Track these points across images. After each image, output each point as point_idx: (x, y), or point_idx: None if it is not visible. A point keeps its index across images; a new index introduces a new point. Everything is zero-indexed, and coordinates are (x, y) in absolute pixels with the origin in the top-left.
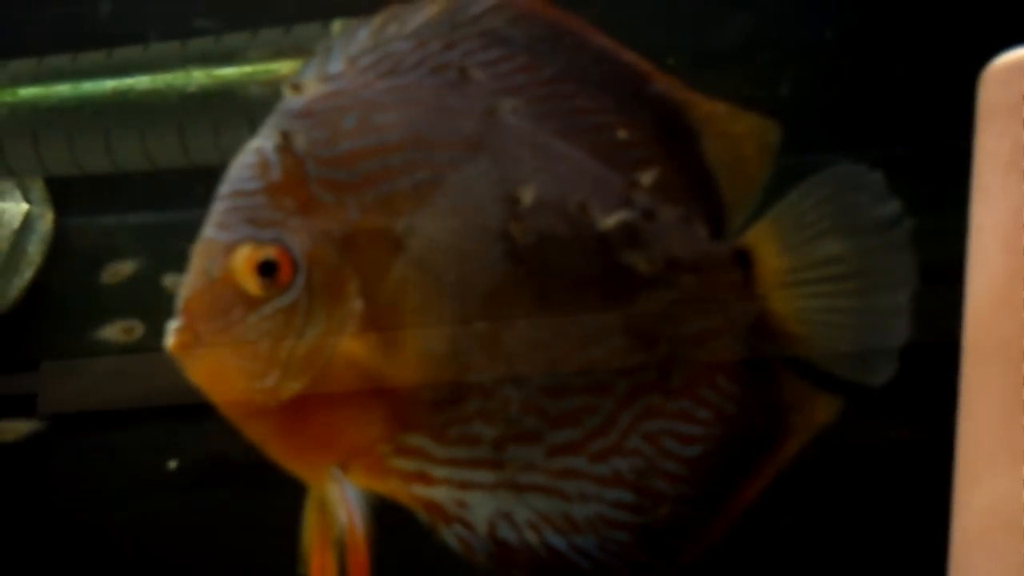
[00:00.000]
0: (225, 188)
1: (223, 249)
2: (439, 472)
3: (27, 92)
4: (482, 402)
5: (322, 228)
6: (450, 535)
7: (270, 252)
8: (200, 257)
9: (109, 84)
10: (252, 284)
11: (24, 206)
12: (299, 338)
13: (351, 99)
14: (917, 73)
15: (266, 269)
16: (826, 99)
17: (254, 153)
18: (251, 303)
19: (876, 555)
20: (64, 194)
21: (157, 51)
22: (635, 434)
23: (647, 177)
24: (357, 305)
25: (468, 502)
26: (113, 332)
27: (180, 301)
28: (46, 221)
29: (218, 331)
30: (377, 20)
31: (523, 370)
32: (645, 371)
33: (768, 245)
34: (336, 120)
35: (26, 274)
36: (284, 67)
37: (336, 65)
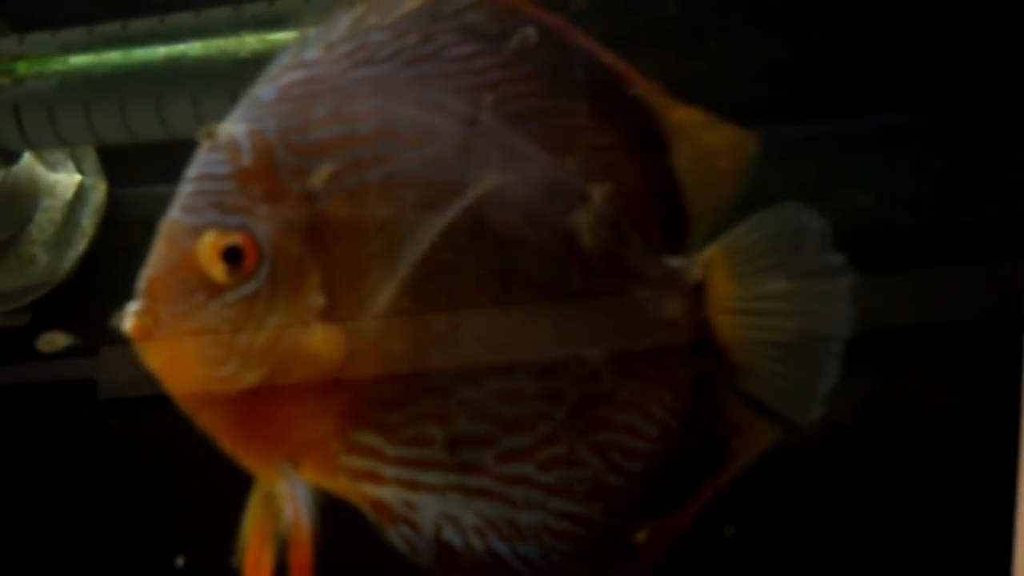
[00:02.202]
0: (193, 171)
1: (188, 233)
2: (389, 472)
3: (78, 60)
4: (436, 403)
5: (289, 217)
6: (396, 535)
7: (236, 239)
8: (164, 240)
9: (161, 51)
10: (216, 270)
11: (77, 177)
12: (259, 328)
13: (325, 87)
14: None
15: (231, 255)
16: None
17: (225, 137)
18: (214, 289)
19: (940, 521)
20: (117, 164)
21: (209, 17)
22: (584, 445)
23: (610, 184)
24: (318, 298)
25: (416, 503)
26: None
27: (141, 283)
28: (99, 192)
29: (179, 316)
30: (358, 9)
31: (479, 372)
32: (596, 381)
33: (718, 269)
34: (309, 107)
35: (79, 245)
36: None
37: (313, 52)
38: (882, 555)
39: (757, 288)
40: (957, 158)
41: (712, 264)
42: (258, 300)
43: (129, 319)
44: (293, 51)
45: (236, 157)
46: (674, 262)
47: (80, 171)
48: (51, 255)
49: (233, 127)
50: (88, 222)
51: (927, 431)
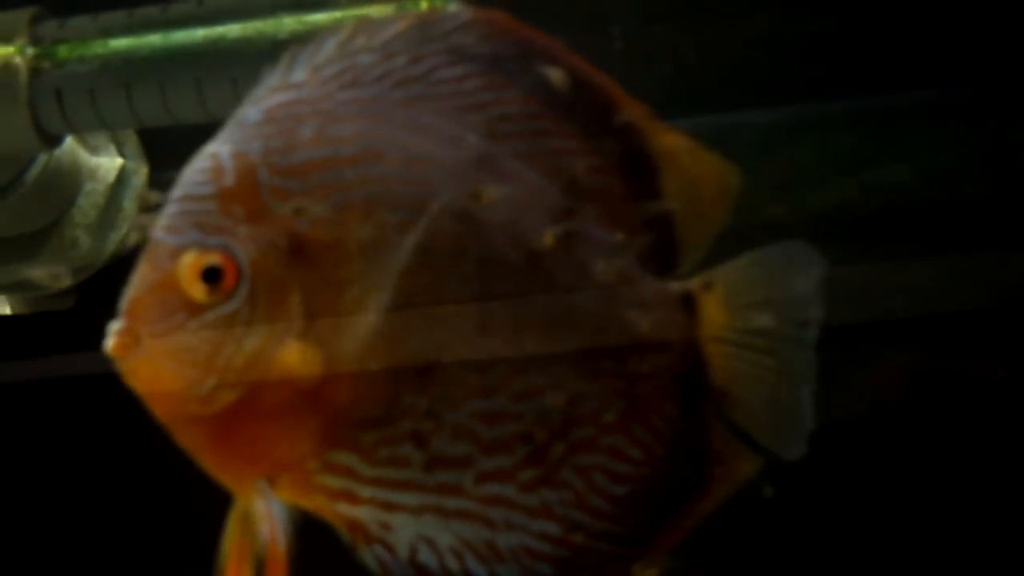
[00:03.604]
0: (177, 191)
1: (169, 253)
2: (365, 492)
3: (118, 43)
4: (414, 423)
5: (269, 238)
6: (370, 556)
7: (215, 258)
8: (146, 260)
9: (200, 33)
10: (196, 290)
11: (118, 160)
12: (238, 347)
13: (310, 109)
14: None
15: (210, 275)
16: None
17: (209, 158)
18: (193, 309)
19: (983, 492)
20: (157, 147)
21: None
22: (567, 467)
23: (599, 206)
24: (297, 318)
25: (392, 524)
26: None
27: (124, 303)
28: (140, 175)
29: (159, 335)
30: (346, 31)
31: (459, 394)
32: (581, 402)
33: (712, 296)
34: (293, 129)
35: (121, 228)
36: (375, 12)
37: (299, 74)
38: (924, 531)
39: (747, 321)
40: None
41: (707, 291)
42: (237, 319)
43: (110, 338)
44: (279, 73)
45: (219, 177)
46: (664, 286)
47: (122, 154)
48: (94, 238)
49: (218, 148)
50: (130, 205)
51: (971, 408)
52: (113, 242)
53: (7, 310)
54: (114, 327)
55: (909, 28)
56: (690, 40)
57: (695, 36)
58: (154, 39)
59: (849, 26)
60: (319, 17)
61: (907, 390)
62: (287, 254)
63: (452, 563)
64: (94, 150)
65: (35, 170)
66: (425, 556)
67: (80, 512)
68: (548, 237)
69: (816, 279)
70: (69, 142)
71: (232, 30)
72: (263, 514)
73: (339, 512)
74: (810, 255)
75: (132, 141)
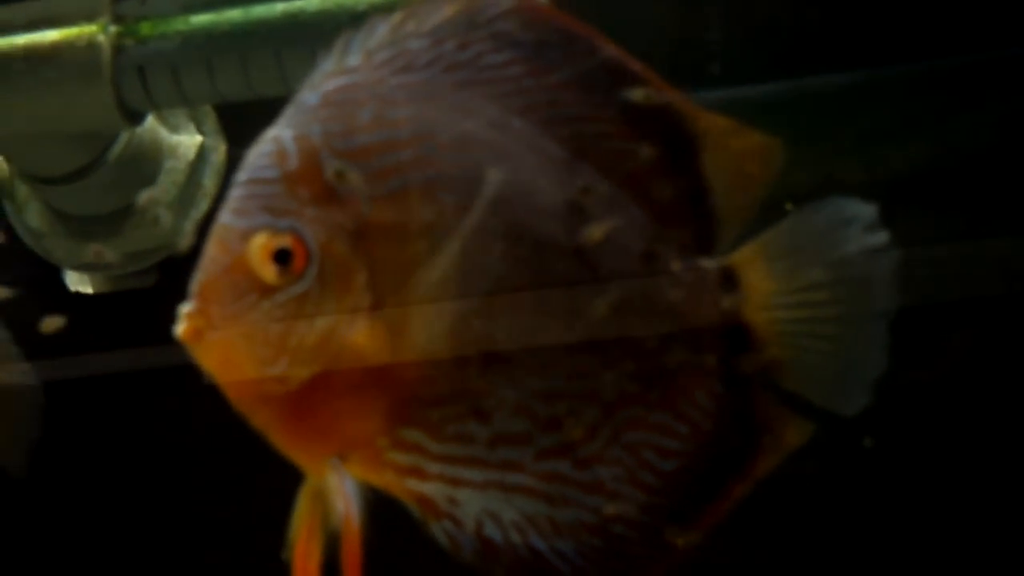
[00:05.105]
0: (242, 175)
1: (239, 235)
2: (433, 468)
3: (199, 19)
4: (477, 401)
5: (335, 219)
6: (439, 530)
7: (286, 240)
8: (215, 243)
9: (279, 7)
10: (267, 271)
11: (198, 138)
12: (309, 327)
13: (366, 93)
14: None
15: (281, 257)
16: None
17: (272, 142)
18: (265, 290)
19: None
20: (236, 124)
21: None
22: (617, 444)
23: (642, 188)
24: (365, 297)
25: (458, 499)
26: None
27: (194, 286)
28: (219, 152)
29: (231, 316)
30: (396, 17)
31: (517, 372)
32: (629, 381)
33: (756, 267)
34: (351, 113)
35: (202, 206)
36: None
37: (354, 58)
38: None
39: (796, 281)
40: None
41: (748, 263)
42: (307, 300)
43: (182, 322)
44: (334, 58)
45: (283, 161)
46: (706, 263)
47: (201, 132)
48: (175, 216)
49: (279, 132)
50: (210, 182)
51: None
52: (193, 219)
53: (89, 289)
54: (185, 310)
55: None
56: (716, 11)
57: (717, 7)
58: (234, 14)
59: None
60: None
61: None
62: (352, 235)
63: (516, 538)
64: (174, 128)
65: (117, 148)
66: (491, 530)
67: (155, 486)
68: (593, 219)
69: (867, 216)
70: (149, 120)
71: (311, 3)
72: (337, 490)
73: (409, 488)
74: (856, 207)
75: (211, 119)
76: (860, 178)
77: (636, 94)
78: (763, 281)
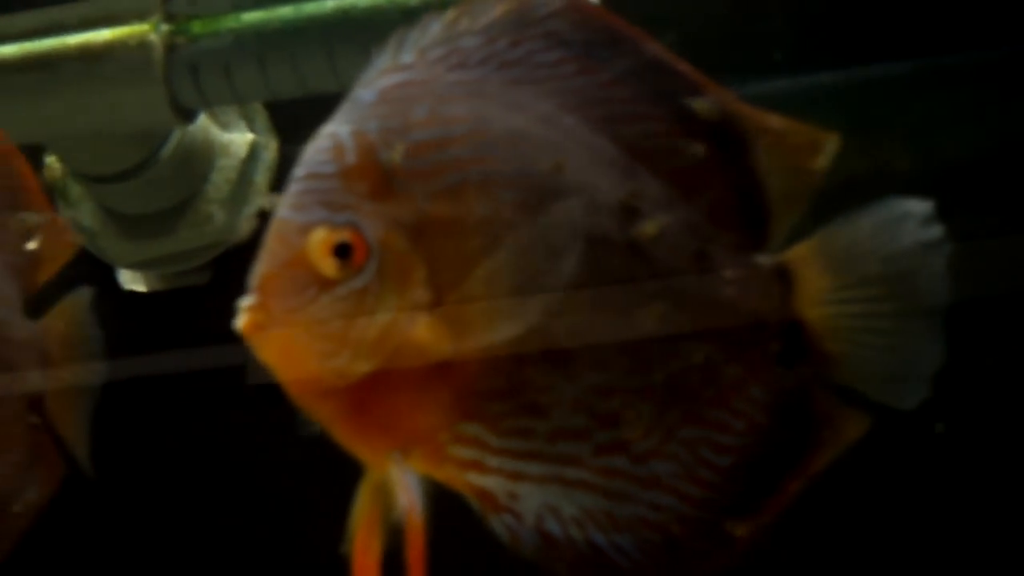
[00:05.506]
0: (300, 171)
1: (298, 230)
2: (493, 462)
3: (250, 17)
4: (536, 396)
5: (393, 214)
6: (500, 524)
7: (345, 235)
8: (274, 237)
9: (330, 3)
10: (327, 265)
11: (249, 136)
12: (369, 321)
13: (422, 90)
14: None
15: (341, 251)
16: None
17: (329, 138)
18: (325, 284)
19: None
20: (287, 122)
21: None
22: (674, 439)
23: (694, 186)
24: (424, 292)
25: (519, 493)
26: None
27: (254, 280)
28: (271, 150)
29: (291, 311)
30: (449, 14)
31: (575, 367)
32: (684, 378)
33: (811, 264)
34: (407, 110)
35: (254, 203)
36: None
37: (408, 56)
38: None
39: (851, 276)
40: None
41: (802, 259)
42: (367, 294)
43: (242, 315)
44: (388, 55)
45: (341, 156)
46: (759, 259)
47: (252, 130)
48: (228, 213)
49: (336, 128)
50: (261, 180)
51: None
52: (246, 217)
53: (143, 287)
54: (246, 304)
55: None
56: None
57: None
58: (285, 11)
59: None
60: None
61: None
62: (411, 230)
63: (576, 532)
64: (225, 126)
65: (169, 147)
66: (551, 525)
67: (212, 482)
68: (646, 216)
69: (922, 212)
70: (201, 119)
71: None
72: (400, 484)
73: (469, 482)
74: (910, 203)
75: (262, 116)
76: (914, 167)
77: (697, 104)
78: (817, 277)
